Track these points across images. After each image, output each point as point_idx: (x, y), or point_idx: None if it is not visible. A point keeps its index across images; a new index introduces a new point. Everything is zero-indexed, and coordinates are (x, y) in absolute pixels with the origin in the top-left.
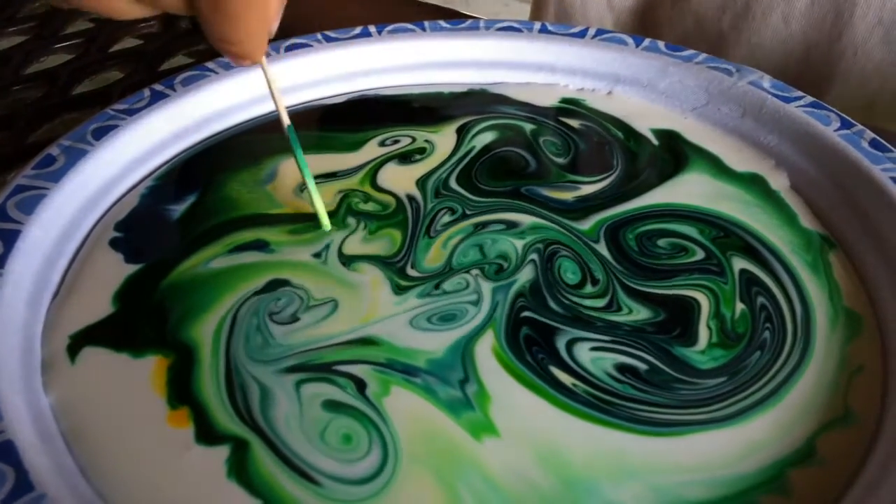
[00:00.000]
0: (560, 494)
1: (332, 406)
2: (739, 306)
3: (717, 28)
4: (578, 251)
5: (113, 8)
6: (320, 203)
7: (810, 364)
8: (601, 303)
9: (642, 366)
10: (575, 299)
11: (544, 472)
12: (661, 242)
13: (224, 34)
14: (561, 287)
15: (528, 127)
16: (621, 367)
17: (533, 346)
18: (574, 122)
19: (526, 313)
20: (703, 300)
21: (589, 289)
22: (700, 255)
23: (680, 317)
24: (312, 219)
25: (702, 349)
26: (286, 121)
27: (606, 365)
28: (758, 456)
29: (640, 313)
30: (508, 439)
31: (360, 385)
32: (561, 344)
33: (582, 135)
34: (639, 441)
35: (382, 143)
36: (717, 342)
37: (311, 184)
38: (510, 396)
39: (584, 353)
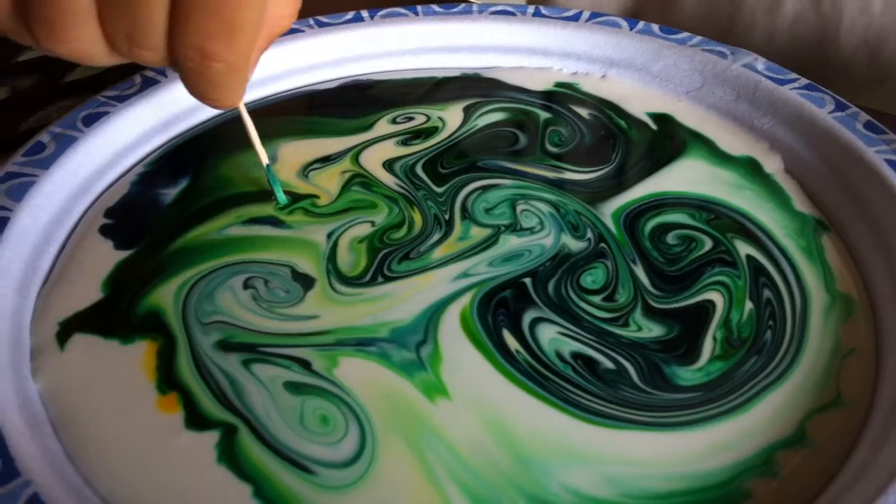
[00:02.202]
0: (517, 471)
1: (295, 388)
2: (748, 306)
3: None
4: (619, 268)
5: (88, 55)
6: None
7: (804, 356)
8: (604, 314)
9: (608, 363)
10: (573, 296)
11: (495, 444)
12: (671, 239)
13: (206, 93)
14: (572, 281)
15: (541, 114)
16: (577, 355)
17: (500, 309)
18: (583, 111)
19: (526, 279)
20: (719, 301)
21: (598, 300)
22: (709, 243)
23: (690, 331)
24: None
25: (699, 366)
26: (265, 160)
27: (563, 348)
28: (726, 454)
29: (653, 331)
30: (458, 402)
31: (305, 364)
32: (528, 317)
33: (590, 126)
34: (578, 426)
35: (393, 121)
36: (719, 354)
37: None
38: (460, 357)
39: (546, 331)
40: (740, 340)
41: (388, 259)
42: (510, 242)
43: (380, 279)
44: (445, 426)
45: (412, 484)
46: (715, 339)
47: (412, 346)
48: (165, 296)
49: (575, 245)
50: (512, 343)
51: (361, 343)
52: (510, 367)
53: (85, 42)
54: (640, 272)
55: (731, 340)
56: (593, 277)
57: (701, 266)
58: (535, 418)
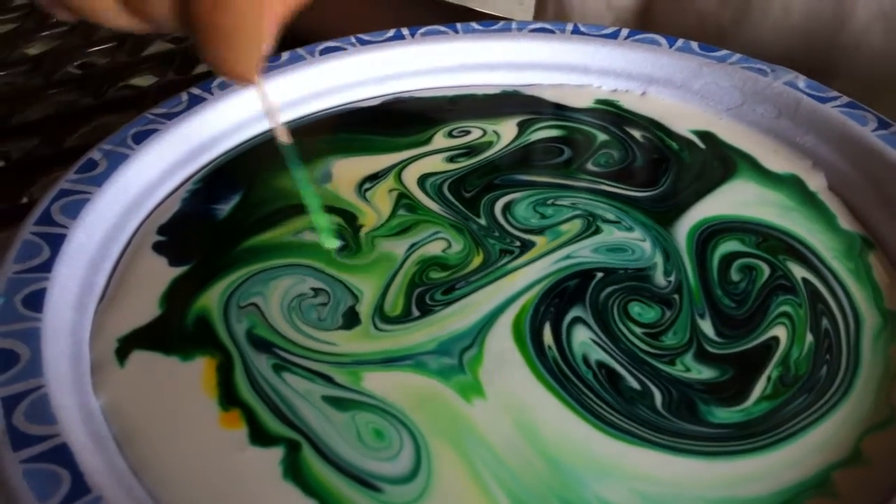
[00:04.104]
0: (555, 479)
1: (336, 402)
2: (808, 339)
3: (716, 23)
4: (679, 320)
5: (98, 13)
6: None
7: (855, 389)
8: (646, 347)
9: (633, 383)
10: (616, 314)
11: (528, 447)
12: (735, 274)
13: (215, 53)
14: (622, 301)
15: (598, 134)
16: (602, 365)
17: (555, 300)
18: (635, 132)
19: (600, 274)
20: (783, 336)
21: (640, 332)
22: (766, 269)
23: (746, 373)
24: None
25: (742, 408)
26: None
27: (590, 354)
28: (763, 483)
29: (702, 374)
30: (492, 401)
31: (327, 378)
32: (571, 315)
33: (643, 147)
34: (596, 436)
35: (449, 135)
36: (769, 394)
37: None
38: (501, 353)
39: (581, 333)
40: (795, 378)
41: (428, 293)
42: (615, 234)
43: (438, 308)
44: (483, 427)
45: (468, 493)
46: (769, 378)
47: (456, 353)
48: (214, 294)
49: (659, 277)
50: (547, 338)
51: (387, 360)
52: (538, 363)
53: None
54: (705, 324)
55: (785, 379)
56: (641, 310)
57: (767, 297)
58: (557, 420)
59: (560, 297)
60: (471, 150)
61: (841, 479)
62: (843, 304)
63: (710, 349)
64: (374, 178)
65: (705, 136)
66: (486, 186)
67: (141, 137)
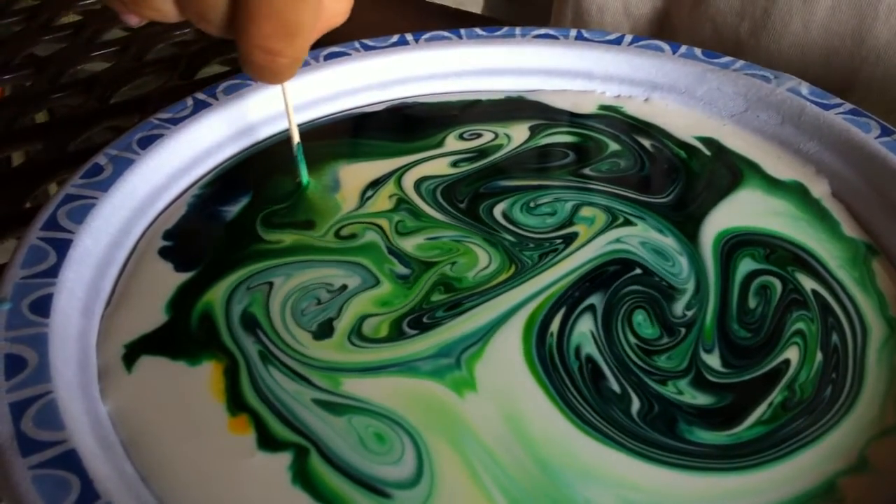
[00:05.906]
0: (546, 481)
1: (328, 406)
2: (818, 358)
3: (734, 36)
4: (677, 349)
5: (169, 19)
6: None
7: (860, 402)
8: (637, 360)
9: (615, 386)
10: (620, 315)
11: (517, 443)
12: (752, 300)
13: (268, 80)
14: (630, 305)
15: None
16: (590, 359)
17: (586, 284)
18: (646, 142)
19: (639, 271)
20: (794, 358)
21: (634, 341)
22: (778, 284)
23: (746, 401)
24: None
25: (732, 433)
26: (297, 138)
27: (584, 346)
28: (768, 494)
29: (697, 399)
30: (482, 393)
31: (305, 379)
32: (588, 302)
33: (654, 159)
34: (578, 436)
35: (461, 137)
36: (767, 419)
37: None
38: (502, 343)
39: (584, 324)
40: (799, 402)
41: (427, 313)
42: (650, 233)
43: (445, 321)
44: (475, 422)
45: (470, 496)
46: (771, 403)
47: (455, 354)
48: (220, 288)
49: (679, 305)
50: (554, 324)
51: (364, 370)
52: (534, 352)
53: (165, 12)
54: (711, 358)
55: (788, 404)
56: (642, 321)
57: (783, 315)
58: (540, 413)
59: (592, 281)
60: (479, 153)
61: (847, 485)
62: (852, 315)
63: (710, 378)
64: (377, 183)
65: (710, 142)
66: (490, 192)
67: (146, 142)
